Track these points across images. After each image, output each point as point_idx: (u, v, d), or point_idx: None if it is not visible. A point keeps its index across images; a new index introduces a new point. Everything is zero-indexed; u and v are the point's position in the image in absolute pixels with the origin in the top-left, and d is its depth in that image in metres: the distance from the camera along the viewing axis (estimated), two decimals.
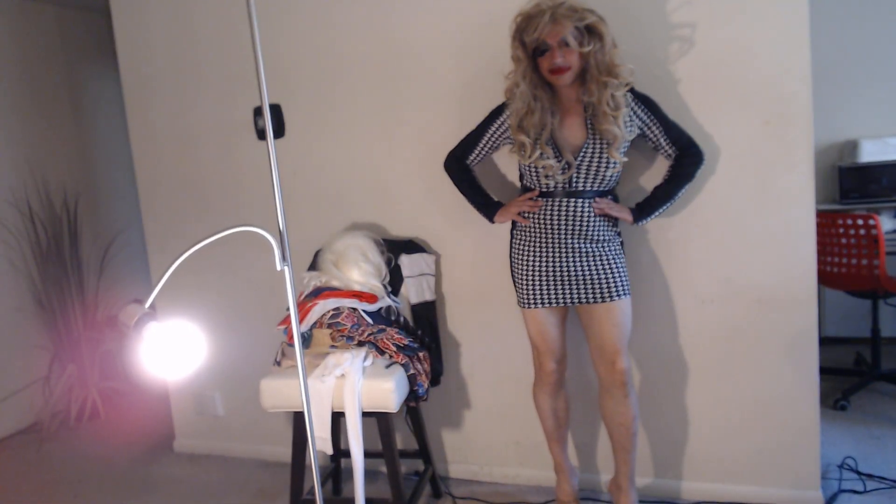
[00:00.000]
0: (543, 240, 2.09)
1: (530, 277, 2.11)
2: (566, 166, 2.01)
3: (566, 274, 2.07)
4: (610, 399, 2.12)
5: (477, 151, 2.22)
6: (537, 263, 2.10)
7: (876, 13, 3.64)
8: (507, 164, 2.42)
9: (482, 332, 2.58)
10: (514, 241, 2.18)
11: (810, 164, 2.13)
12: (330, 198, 2.71)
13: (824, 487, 2.33)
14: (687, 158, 2.10)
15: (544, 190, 2.06)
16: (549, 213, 2.06)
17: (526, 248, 2.12)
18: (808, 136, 2.12)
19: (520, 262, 2.14)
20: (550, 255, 2.08)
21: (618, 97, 1.95)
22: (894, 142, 3.58)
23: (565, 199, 2.03)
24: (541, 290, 2.11)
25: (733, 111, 2.18)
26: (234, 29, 2.74)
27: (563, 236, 2.06)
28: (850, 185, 3.62)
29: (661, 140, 2.08)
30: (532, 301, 2.12)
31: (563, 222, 2.05)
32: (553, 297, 2.10)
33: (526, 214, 2.11)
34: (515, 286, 2.18)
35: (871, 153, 3.58)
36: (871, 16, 3.65)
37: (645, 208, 2.11)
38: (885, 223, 3.08)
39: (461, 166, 2.26)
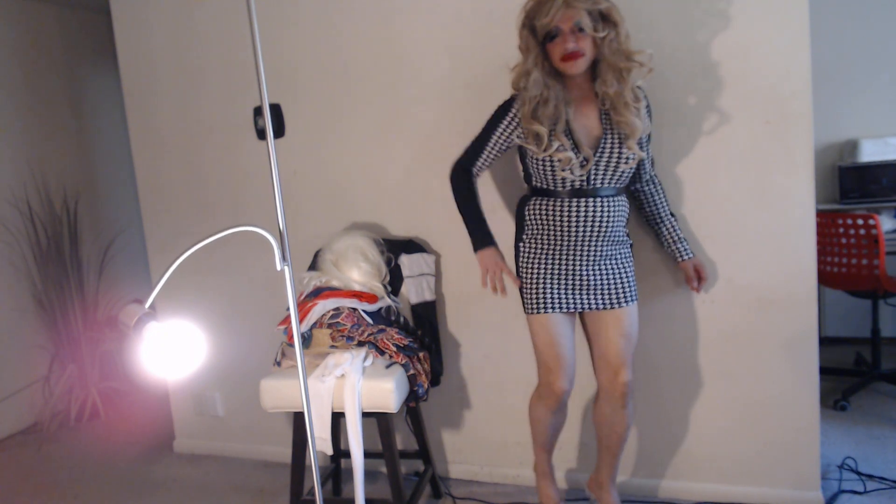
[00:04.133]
0: (559, 241, 1.98)
1: (544, 281, 1.99)
2: (584, 161, 1.91)
3: (582, 278, 1.99)
4: (607, 407, 2.09)
5: (485, 156, 2.07)
6: (552, 266, 1.99)
7: (876, 13, 3.65)
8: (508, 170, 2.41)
9: (482, 332, 2.57)
10: (523, 244, 2.06)
11: (810, 164, 2.13)
12: (330, 198, 2.71)
13: (824, 488, 2.32)
14: (663, 195, 2.19)
15: (559, 188, 1.94)
16: (565, 212, 1.94)
17: (540, 250, 2.01)
18: (808, 136, 2.12)
19: (532, 265, 2.02)
20: (566, 257, 1.98)
21: (636, 90, 1.91)
22: (894, 142, 3.58)
23: (584, 199, 1.93)
24: (556, 293, 1.99)
25: (733, 111, 2.18)
26: (234, 28, 2.74)
27: (580, 237, 1.95)
28: (850, 184, 3.62)
29: (646, 158, 2.04)
30: (548, 305, 1.98)
31: (581, 222, 1.94)
32: (569, 301, 2.00)
33: (538, 214, 2.00)
34: (525, 292, 2.04)
35: (871, 153, 3.58)
36: (871, 16, 3.65)
37: (684, 243, 2.19)
38: (885, 223, 3.08)
39: (468, 182, 2.11)
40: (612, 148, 1.92)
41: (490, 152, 2.07)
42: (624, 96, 1.88)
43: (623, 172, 1.95)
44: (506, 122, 1.99)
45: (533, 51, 1.88)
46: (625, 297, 2.02)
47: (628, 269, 2.04)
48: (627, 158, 1.93)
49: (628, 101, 1.88)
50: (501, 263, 2.07)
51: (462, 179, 2.12)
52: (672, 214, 2.18)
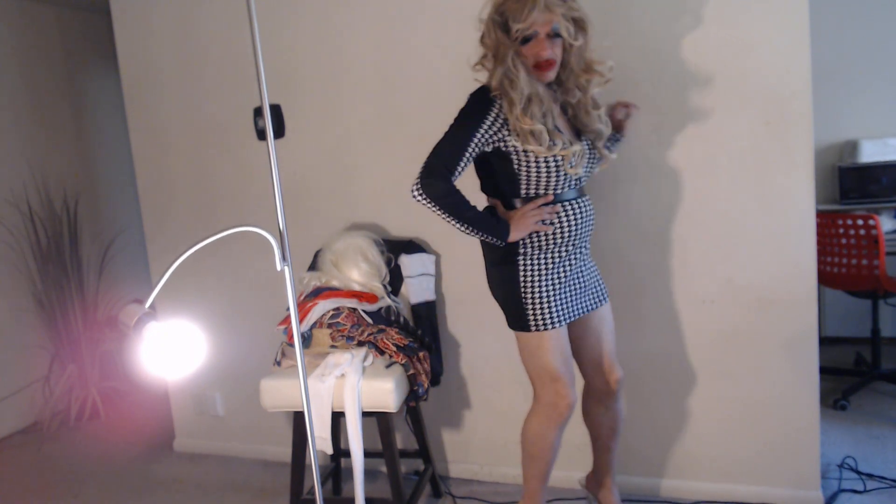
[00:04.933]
0: (560, 248, 1.88)
1: (554, 294, 1.87)
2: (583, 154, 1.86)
3: (578, 282, 1.94)
4: (600, 406, 2.09)
5: (464, 161, 1.77)
6: (556, 276, 1.88)
7: (876, 13, 3.64)
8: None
9: (482, 332, 2.57)
10: (523, 259, 1.87)
11: (810, 165, 2.13)
12: (330, 198, 2.72)
13: (824, 487, 2.33)
14: None
15: (560, 191, 1.85)
16: (570, 215, 1.86)
17: (543, 262, 1.87)
18: (808, 137, 2.12)
19: (538, 280, 1.86)
20: (567, 263, 1.89)
21: (596, 96, 1.90)
22: (894, 142, 3.58)
23: (578, 200, 1.88)
24: (564, 305, 1.89)
25: (733, 111, 2.18)
26: (235, 29, 2.74)
27: (576, 240, 1.89)
28: (850, 185, 3.61)
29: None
30: (559, 318, 1.88)
31: (579, 224, 1.88)
32: (573, 310, 1.92)
33: (544, 222, 1.86)
34: (533, 310, 1.87)
35: (870, 153, 3.58)
36: (871, 16, 3.65)
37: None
38: (885, 223, 3.08)
39: (450, 187, 1.76)
40: (591, 149, 1.92)
41: (469, 157, 1.78)
42: (585, 104, 1.87)
43: (594, 173, 1.99)
44: (487, 124, 1.77)
45: (509, 50, 1.77)
46: (605, 293, 2.05)
47: (594, 265, 2.06)
48: (599, 161, 1.96)
49: (589, 108, 1.88)
50: (525, 211, 1.84)
51: (446, 186, 1.77)
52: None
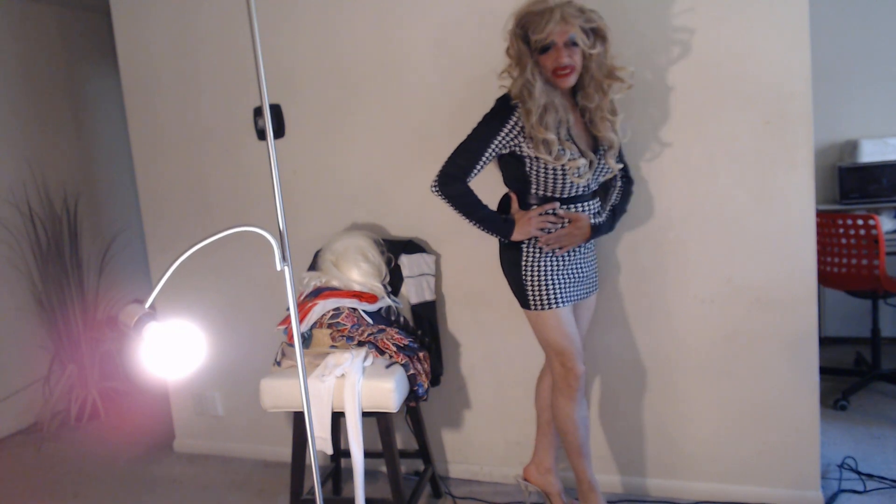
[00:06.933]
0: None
1: (554, 278, 2.03)
2: (589, 164, 1.97)
3: (577, 272, 2.09)
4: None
5: (480, 165, 1.98)
6: (556, 264, 2.03)
7: (876, 13, 3.64)
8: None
9: (482, 332, 2.58)
10: (527, 246, 2.04)
11: (810, 164, 2.13)
12: (330, 198, 2.72)
13: (824, 487, 2.33)
14: (628, 192, 2.17)
15: (567, 196, 1.99)
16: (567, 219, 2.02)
17: (544, 251, 2.03)
18: (808, 136, 2.12)
19: (540, 265, 2.02)
20: (568, 256, 2.05)
21: (615, 103, 1.97)
22: (894, 142, 3.58)
23: (581, 204, 2.02)
24: (564, 288, 2.04)
25: (733, 111, 2.18)
26: (234, 29, 2.74)
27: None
28: (850, 185, 3.62)
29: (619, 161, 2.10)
30: (561, 299, 2.03)
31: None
32: (572, 294, 2.07)
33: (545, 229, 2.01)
34: (532, 291, 2.03)
35: (871, 153, 3.58)
36: (871, 16, 3.65)
37: (600, 229, 2.10)
38: (885, 223, 3.08)
39: (467, 188, 1.99)
40: (603, 157, 2.01)
41: (486, 161, 1.98)
42: (602, 109, 1.95)
43: (602, 180, 2.08)
44: (506, 131, 1.93)
45: (528, 61, 1.89)
46: (596, 283, 2.20)
47: (596, 257, 2.20)
48: (609, 169, 2.04)
49: (605, 114, 1.96)
50: (532, 215, 2.00)
51: (461, 187, 1.99)
52: (617, 207, 2.16)
